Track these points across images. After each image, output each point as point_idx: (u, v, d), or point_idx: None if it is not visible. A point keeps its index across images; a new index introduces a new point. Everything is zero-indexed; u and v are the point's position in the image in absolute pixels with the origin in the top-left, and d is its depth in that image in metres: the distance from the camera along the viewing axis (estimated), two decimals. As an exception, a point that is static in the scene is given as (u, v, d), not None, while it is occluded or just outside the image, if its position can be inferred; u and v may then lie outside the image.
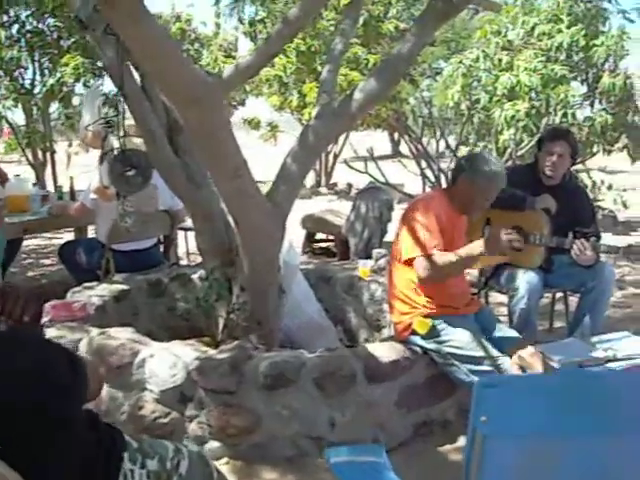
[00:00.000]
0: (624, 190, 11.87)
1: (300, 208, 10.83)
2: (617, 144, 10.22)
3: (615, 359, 3.91)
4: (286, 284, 4.24)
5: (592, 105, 9.90)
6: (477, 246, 3.50)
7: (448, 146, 9.94)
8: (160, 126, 4.20)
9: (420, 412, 3.74)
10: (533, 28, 9.36)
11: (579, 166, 11.88)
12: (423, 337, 3.65)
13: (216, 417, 3.53)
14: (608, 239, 5.46)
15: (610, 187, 11.78)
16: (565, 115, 8.71)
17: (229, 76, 3.59)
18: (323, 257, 8.60)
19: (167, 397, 3.61)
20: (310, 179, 17.32)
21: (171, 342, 3.88)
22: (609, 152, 10.48)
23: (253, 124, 15.77)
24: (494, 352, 3.54)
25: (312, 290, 4.71)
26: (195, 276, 4.99)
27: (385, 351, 3.69)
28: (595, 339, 4.19)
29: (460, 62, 8.91)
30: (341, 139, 16.76)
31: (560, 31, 9.12)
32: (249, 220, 3.83)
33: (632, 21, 9.52)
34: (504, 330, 3.84)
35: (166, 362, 3.62)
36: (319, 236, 8.71)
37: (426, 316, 3.66)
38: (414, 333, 3.68)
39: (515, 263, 4.61)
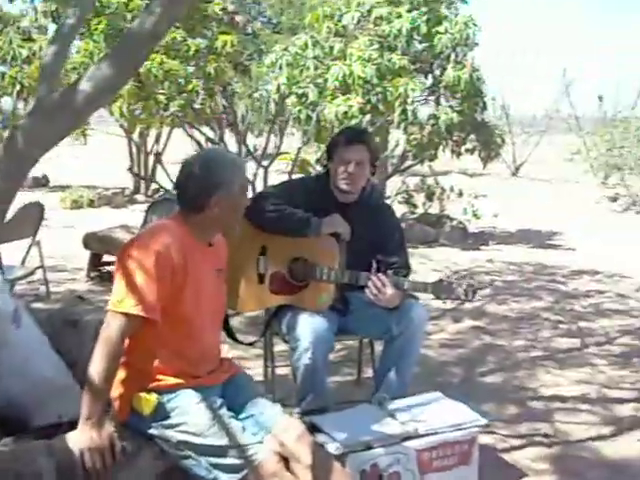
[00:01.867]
0: (475, 197, 11.62)
1: (112, 219, 10.05)
2: (465, 145, 9.93)
3: (415, 435, 3.37)
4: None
5: (437, 102, 9.54)
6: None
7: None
8: None
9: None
10: (369, 11, 8.89)
11: (424, 169, 11.62)
12: (146, 419, 2.95)
13: None
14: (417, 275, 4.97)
15: (460, 194, 11.53)
16: (404, 112, 8.28)
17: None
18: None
19: None
20: (128, 183, 16.37)
21: None
22: (458, 154, 10.16)
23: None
24: (245, 438, 2.89)
25: (49, 339, 3.93)
26: None
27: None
28: (397, 404, 3.63)
29: (285, 49, 8.30)
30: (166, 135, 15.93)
31: (399, 16, 8.65)
32: None
33: (465, 2, 9.34)
34: (263, 404, 3.16)
35: None
36: (107, 258, 7.79)
37: (150, 390, 2.96)
38: (135, 413, 2.98)
39: (297, 304, 3.98)
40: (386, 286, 3.79)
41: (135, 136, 15.74)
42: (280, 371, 4.39)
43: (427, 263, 9.34)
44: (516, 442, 4.07)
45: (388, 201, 10.43)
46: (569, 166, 19.64)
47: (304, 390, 3.89)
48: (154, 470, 3.03)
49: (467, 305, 6.78)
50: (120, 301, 2.83)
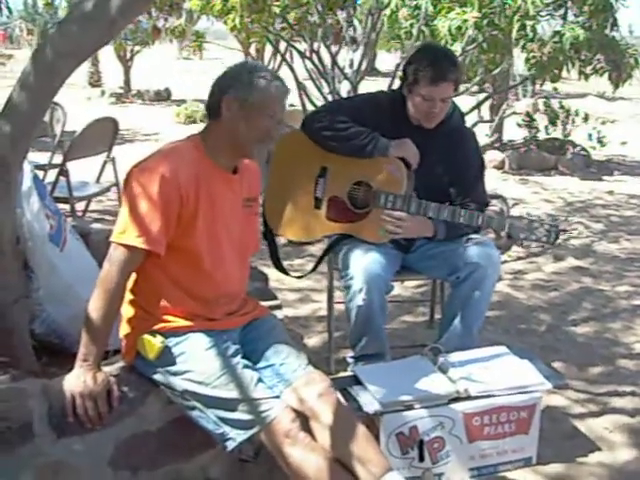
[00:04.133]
0: (603, 123, 10.79)
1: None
2: (592, 65, 9.14)
3: (465, 397, 2.97)
4: (36, 259, 3.22)
5: (564, 17, 8.78)
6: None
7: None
8: None
9: (157, 473, 2.78)
10: None
11: (546, 87, 10.84)
12: (152, 364, 2.65)
13: None
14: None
15: (586, 118, 10.73)
16: (523, 27, 7.63)
17: None
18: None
19: None
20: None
21: None
22: (586, 76, 9.39)
23: (177, 33, 14.45)
24: (258, 391, 2.55)
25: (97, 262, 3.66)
26: None
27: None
28: (453, 357, 3.22)
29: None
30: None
31: None
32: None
33: None
34: (287, 353, 2.80)
35: None
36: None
37: (156, 332, 2.64)
38: (141, 356, 2.68)
39: (356, 235, 3.57)
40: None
41: (252, 51, 15.42)
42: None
43: (540, 193, 8.77)
44: (594, 407, 3.60)
45: (509, 123, 9.90)
46: None
47: (358, 333, 3.54)
48: (162, 419, 2.76)
49: (573, 242, 6.32)
50: (122, 232, 2.52)
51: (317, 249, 5.72)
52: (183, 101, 15.42)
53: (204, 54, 19.50)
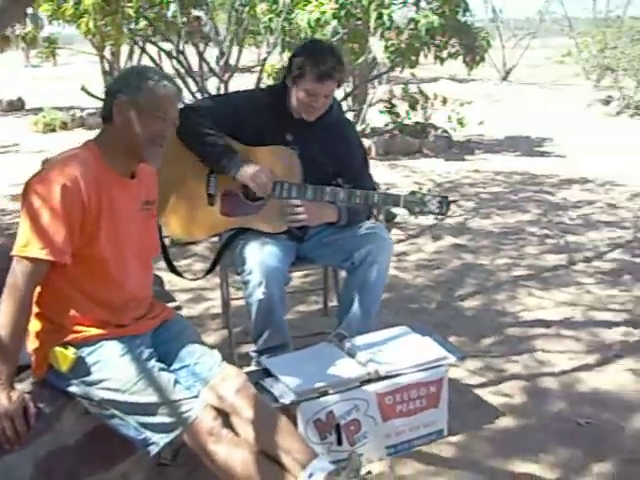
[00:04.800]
0: (461, 104, 11.11)
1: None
2: (447, 49, 9.42)
3: (376, 378, 3.03)
4: None
5: (417, 4, 9.00)
6: None
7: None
8: None
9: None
10: None
11: (405, 74, 11.07)
12: (65, 376, 2.60)
13: None
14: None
15: (445, 101, 11.03)
16: (380, 16, 7.79)
17: None
18: None
19: None
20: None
21: None
22: (441, 60, 9.67)
23: (28, 40, 13.97)
24: (177, 393, 2.54)
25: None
26: None
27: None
28: (358, 341, 3.28)
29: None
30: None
31: None
32: None
33: None
34: (200, 352, 2.80)
35: None
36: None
37: (67, 343, 2.59)
38: (53, 370, 2.62)
39: (252, 227, 3.57)
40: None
41: (107, 54, 15.10)
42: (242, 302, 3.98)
43: (410, 175, 8.99)
44: (492, 376, 3.74)
45: (370, 110, 10.07)
46: (560, 69, 19.08)
47: (260, 327, 3.54)
48: (79, 431, 2.70)
49: (448, 221, 6.48)
50: (25, 245, 2.45)
51: (201, 248, 5.71)
52: (40, 109, 14.97)
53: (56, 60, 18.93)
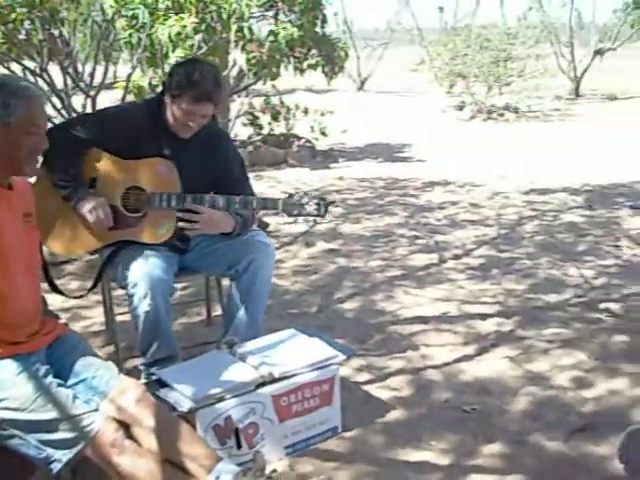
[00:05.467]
0: (322, 114, 11.30)
1: None
2: (307, 61, 9.57)
3: (270, 380, 3.08)
4: None
5: (276, 17, 9.13)
6: None
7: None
8: None
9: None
10: None
11: (269, 89, 11.18)
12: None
13: None
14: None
15: (306, 112, 11.19)
16: (241, 29, 7.85)
17: None
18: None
19: None
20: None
21: None
22: (301, 71, 9.82)
23: None
24: (76, 407, 2.53)
25: None
26: None
27: None
28: (248, 346, 3.33)
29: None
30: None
31: None
32: None
33: None
34: (96, 366, 2.78)
35: None
36: None
37: (-43, 360, 2.53)
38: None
39: (135, 239, 3.59)
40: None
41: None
42: (126, 317, 3.94)
43: (277, 185, 9.07)
44: (378, 372, 3.85)
45: (232, 123, 10.10)
46: (414, 77, 19.63)
47: (147, 339, 3.54)
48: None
49: (319, 227, 6.59)
50: None
51: (75, 267, 5.61)
52: None
53: None
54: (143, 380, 3.48)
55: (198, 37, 7.34)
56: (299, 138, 10.97)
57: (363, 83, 23.76)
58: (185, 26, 7.39)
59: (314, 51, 9.53)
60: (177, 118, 3.54)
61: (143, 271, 3.41)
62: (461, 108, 16.57)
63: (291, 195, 3.54)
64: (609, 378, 3.76)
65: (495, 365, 3.92)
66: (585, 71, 20.42)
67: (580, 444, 3.16)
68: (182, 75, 3.50)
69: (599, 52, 20.88)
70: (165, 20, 7.54)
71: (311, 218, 3.54)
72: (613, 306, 4.74)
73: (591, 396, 3.58)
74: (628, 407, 3.47)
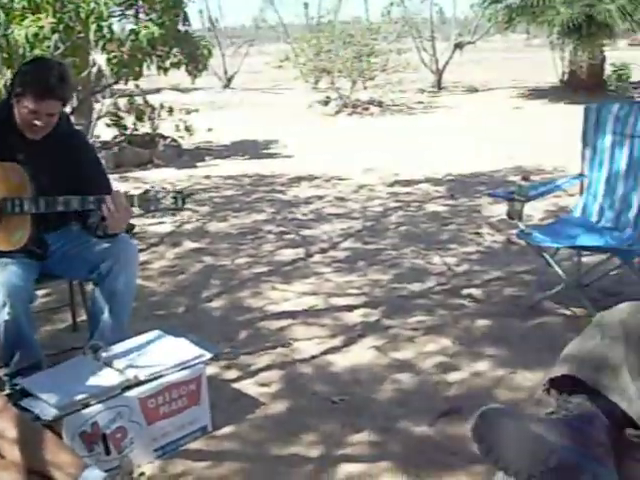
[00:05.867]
0: (187, 113, 11.21)
1: None
2: (170, 59, 9.49)
3: (136, 383, 3.05)
4: None
5: (136, 16, 9.03)
6: None
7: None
8: None
9: None
10: None
11: (129, 86, 11.02)
12: None
13: None
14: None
15: (171, 111, 11.09)
16: (100, 29, 7.74)
17: None
18: None
19: None
20: None
21: None
22: (165, 70, 9.74)
23: None
24: None
25: None
26: None
27: None
28: (114, 350, 3.28)
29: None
30: None
31: None
32: None
33: None
34: None
35: None
36: None
37: None
38: None
39: None
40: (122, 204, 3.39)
41: None
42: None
43: (142, 186, 8.90)
44: (248, 369, 3.86)
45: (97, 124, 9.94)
46: (279, 73, 19.70)
47: (9, 349, 3.45)
48: None
49: (186, 227, 6.56)
50: None
51: None
52: None
53: None
54: (7, 391, 3.39)
55: (55, 37, 7.18)
56: (165, 138, 10.87)
57: (229, 81, 23.68)
58: (42, 26, 7.24)
59: (176, 49, 9.46)
60: (23, 118, 3.47)
61: (0, 281, 3.32)
62: (326, 103, 16.74)
63: (147, 191, 3.50)
64: (472, 362, 3.88)
65: (362, 355, 3.99)
66: (446, 64, 20.94)
67: (445, 427, 3.24)
68: (25, 74, 3.46)
69: (459, 45, 21.46)
70: (22, 20, 7.38)
71: (170, 212, 3.52)
72: (475, 292, 4.89)
73: (455, 380, 3.69)
74: (491, 388, 3.60)
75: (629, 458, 1.92)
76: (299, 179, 8.98)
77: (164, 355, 3.24)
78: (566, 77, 18.24)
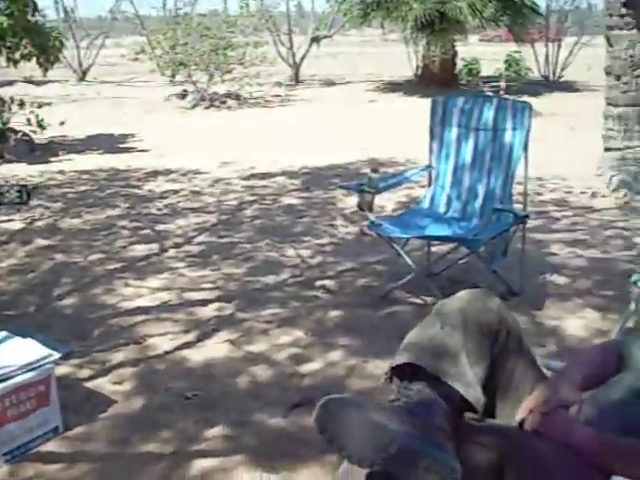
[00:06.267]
0: (39, 106, 10.83)
1: None
2: (20, 51, 9.22)
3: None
4: None
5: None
6: None
7: None
8: None
9: None
10: None
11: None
12: None
13: None
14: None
15: (22, 104, 10.71)
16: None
17: None
18: None
19: None
20: None
21: None
22: (15, 62, 9.45)
23: None
24: None
25: None
26: None
27: None
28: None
29: None
30: None
31: None
32: None
33: None
34: None
35: None
36: None
37: None
38: None
39: None
40: None
41: None
42: None
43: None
44: (100, 367, 3.79)
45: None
46: (136, 66, 19.37)
47: None
48: None
49: (37, 224, 6.40)
50: None
51: None
52: None
53: None
54: None
55: None
56: (16, 132, 10.50)
57: (85, 73, 23.13)
58: None
59: (26, 40, 9.18)
60: None
61: None
62: (184, 97, 16.60)
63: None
64: (325, 352, 3.94)
65: (217, 349, 3.99)
66: (303, 58, 21.09)
67: (298, 418, 3.28)
68: None
69: (316, 39, 21.66)
70: None
71: (16, 206, 3.43)
72: (328, 283, 4.96)
73: (309, 371, 3.74)
74: (344, 377, 3.67)
75: (468, 442, 1.98)
76: (155, 173, 8.88)
77: (10, 357, 3.14)
78: (420, 71, 18.72)
